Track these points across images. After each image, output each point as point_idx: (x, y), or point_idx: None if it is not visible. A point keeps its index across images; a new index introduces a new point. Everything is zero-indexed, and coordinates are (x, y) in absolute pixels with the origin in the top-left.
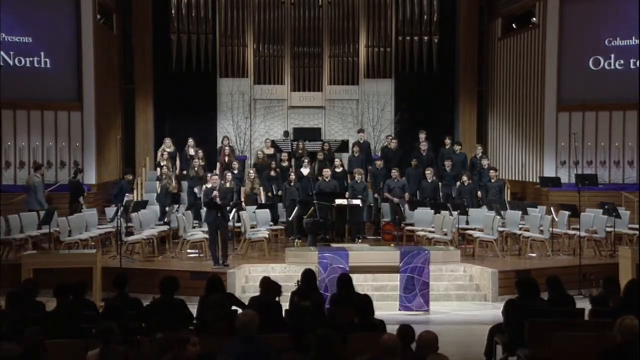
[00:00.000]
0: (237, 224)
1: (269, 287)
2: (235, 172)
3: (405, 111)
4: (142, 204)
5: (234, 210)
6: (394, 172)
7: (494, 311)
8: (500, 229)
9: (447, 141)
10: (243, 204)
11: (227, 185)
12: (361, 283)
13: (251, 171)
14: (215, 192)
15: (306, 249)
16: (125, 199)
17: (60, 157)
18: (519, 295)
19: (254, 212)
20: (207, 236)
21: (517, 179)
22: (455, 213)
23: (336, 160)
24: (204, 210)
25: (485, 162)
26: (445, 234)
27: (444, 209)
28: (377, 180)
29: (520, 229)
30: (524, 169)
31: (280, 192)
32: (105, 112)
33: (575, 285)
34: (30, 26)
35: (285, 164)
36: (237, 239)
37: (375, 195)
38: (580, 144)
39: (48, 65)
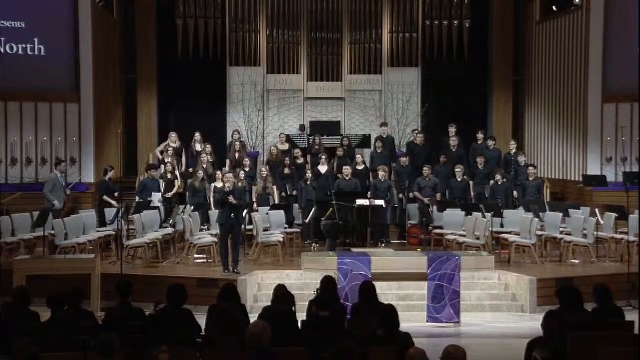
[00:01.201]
0: (248, 227)
1: (284, 295)
2: (247, 169)
3: (433, 103)
4: (144, 205)
5: (245, 211)
6: (426, 170)
7: (532, 324)
8: (539, 232)
9: (480, 136)
10: (255, 204)
11: (239, 184)
12: (385, 292)
13: (264, 169)
14: (229, 187)
15: (324, 255)
16: (155, 199)
17: (56, 153)
18: (560, 306)
19: (267, 214)
20: (216, 240)
21: (557, 177)
22: (488, 215)
23: (357, 156)
24: (212, 212)
25: (521, 159)
26: (478, 238)
27: (476, 211)
28: (402, 178)
29: (561, 232)
30: (565, 167)
31: (295, 192)
32: (105, 104)
33: (623, 296)
34: (23, 10)
35: (301, 161)
36: (248, 243)
37: (400, 195)
38: (629, 138)
39: (42, 53)
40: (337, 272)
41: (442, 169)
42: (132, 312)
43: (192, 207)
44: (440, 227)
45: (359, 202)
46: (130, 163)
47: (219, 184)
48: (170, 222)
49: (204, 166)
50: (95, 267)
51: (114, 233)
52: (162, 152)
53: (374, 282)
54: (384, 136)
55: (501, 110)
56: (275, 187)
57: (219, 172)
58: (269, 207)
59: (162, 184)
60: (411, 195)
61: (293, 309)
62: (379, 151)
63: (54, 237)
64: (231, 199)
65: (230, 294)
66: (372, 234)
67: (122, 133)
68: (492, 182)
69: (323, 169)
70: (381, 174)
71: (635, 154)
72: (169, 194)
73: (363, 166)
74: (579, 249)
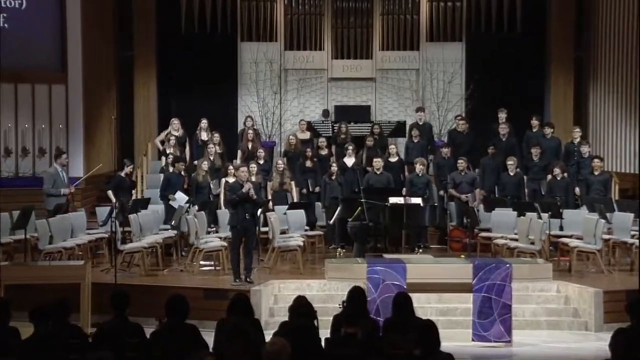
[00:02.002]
0: (263, 229)
1: (305, 309)
2: (261, 162)
3: (479, 84)
4: (142, 203)
5: (259, 211)
6: (461, 163)
7: (598, 343)
8: (605, 236)
9: (535, 122)
10: (271, 203)
11: (253, 179)
12: (423, 305)
13: (281, 161)
14: (249, 185)
15: (352, 261)
16: (180, 200)
17: (39, 143)
18: (631, 322)
19: (285, 214)
20: (225, 244)
21: (627, 171)
22: (545, 215)
23: (390, 147)
24: (221, 211)
25: (585, 150)
26: (532, 243)
27: (531, 210)
28: (442, 173)
29: (633, 236)
30: (638, 159)
31: (318, 188)
32: (96, 85)
33: None
34: None
35: (324, 152)
36: (263, 247)
37: (441, 192)
38: None
39: (24, 26)
40: (367, 282)
41: (490, 162)
42: (128, 328)
43: (197, 206)
44: (488, 230)
45: (392, 200)
46: (125, 154)
47: (231, 179)
48: (173, 223)
49: (211, 158)
50: (85, 276)
51: (106, 236)
52: (162, 142)
53: (410, 294)
54: (421, 123)
55: (560, 93)
56: (294, 183)
57: (230, 166)
58: (286, 206)
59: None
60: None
61: (315, 324)
62: (415, 140)
63: (37, 240)
64: (251, 192)
65: (242, 306)
66: (407, 238)
67: (116, 119)
68: (549, 176)
69: (350, 161)
70: (418, 167)
71: None
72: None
73: (397, 158)
74: None
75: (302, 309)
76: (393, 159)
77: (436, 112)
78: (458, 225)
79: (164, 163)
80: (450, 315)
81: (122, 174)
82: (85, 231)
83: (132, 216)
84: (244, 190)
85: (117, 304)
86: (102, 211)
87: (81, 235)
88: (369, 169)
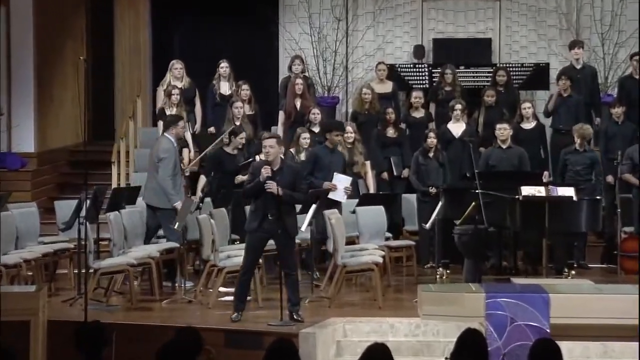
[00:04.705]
0: (319, 237)
1: None
2: (317, 129)
3: None
4: (127, 195)
5: (312, 209)
6: None
7: None
8: None
9: None
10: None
11: (302, 157)
12: (576, 358)
13: (349, 128)
14: (267, 170)
15: (461, 289)
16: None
17: None
18: None
19: (354, 212)
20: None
21: None
22: None
23: (523, 105)
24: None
25: None
26: None
27: None
28: (611, 146)
29: None
30: None
31: (406, 172)
32: (57, 9)
33: None
34: None
35: (417, 114)
36: (318, 266)
37: (609, 177)
38: None
39: None
40: (486, 322)
41: None
42: None
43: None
44: None
45: (526, 190)
46: (102, 119)
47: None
48: (176, 225)
49: (237, 123)
50: (37, 309)
51: (71, 246)
52: (163, 98)
53: (557, 342)
54: (577, 67)
55: None
56: (368, 163)
57: (265, 135)
58: (356, 200)
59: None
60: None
61: None
62: (565, 94)
63: None
64: (270, 187)
65: (285, 357)
66: (551, 251)
67: (86, 62)
68: None
69: (458, 128)
70: (579, 140)
71: None
72: None
73: (534, 123)
74: None
75: None
76: (528, 125)
77: (600, 48)
78: (637, 233)
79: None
80: None
81: (230, 149)
82: (38, 239)
83: (110, 215)
84: (260, 176)
85: (86, 345)
86: (65, 207)
87: (31, 244)
88: (494, 144)
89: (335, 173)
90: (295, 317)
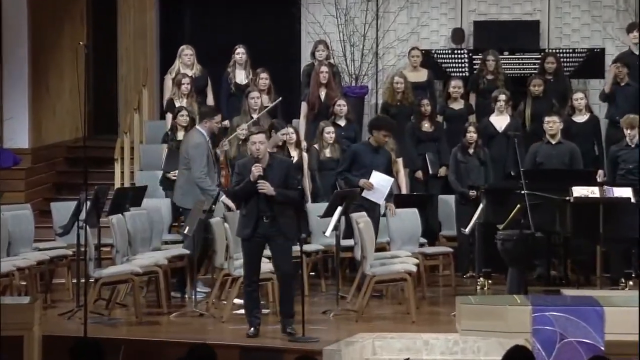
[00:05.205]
0: (344, 243)
1: None
2: (343, 123)
3: None
4: (132, 196)
5: (337, 212)
6: None
7: None
8: None
9: None
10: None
11: (327, 153)
12: None
13: None
14: (259, 169)
15: (504, 301)
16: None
17: None
18: None
19: (384, 215)
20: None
21: None
22: None
23: (575, 96)
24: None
25: None
26: None
27: None
28: None
29: None
30: None
31: (444, 170)
32: None
33: None
34: None
35: (456, 105)
36: (345, 275)
37: None
38: None
39: None
40: (532, 339)
41: None
42: None
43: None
44: None
45: (578, 191)
46: (103, 111)
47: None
48: (186, 230)
49: (254, 116)
50: (32, 323)
51: (69, 253)
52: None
53: None
54: (636, 52)
55: None
56: (400, 160)
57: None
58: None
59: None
60: None
61: None
62: (622, 83)
63: None
64: (263, 187)
65: None
66: (606, 259)
67: (87, 48)
68: None
69: (501, 121)
70: (629, 132)
71: None
72: (175, 173)
73: (587, 115)
74: None
75: None
76: (581, 118)
77: None
78: None
79: (169, 125)
80: None
81: (270, 147)
82: (33, 245)
83: (113, 219)
84: (251, 176)
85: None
86: (62, 209)
87: (25, 251)
88: (542, 139)
89: (374, 171)
90: (288, 331)
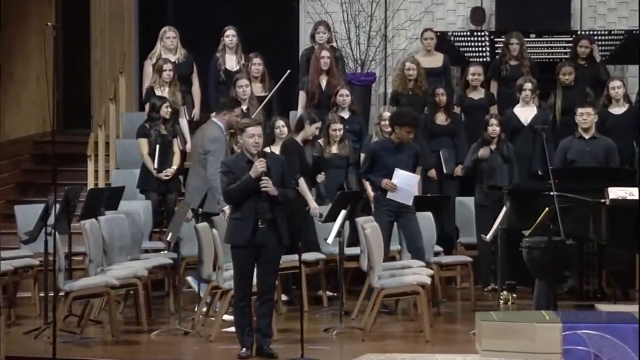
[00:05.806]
0: (349, 251)
1: None
2: (346, 114)
3: None
4: (108, 197)
5: (341, 216)
6: None
7: None
8: None
9: None
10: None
11: (334, 150)
12: None
13: (386, 114)
14: (262, 164)
15: (531, 317)
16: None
17: None
18: None
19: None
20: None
21: None
22: None
23: (612, 84)
24: None
25: None
26: None
27: None
28: None
29: None
30: None
31: (460, 168)
32: None
33: None
34: None
35: (475, 94)
36: (349, 288)
37: None
38: None
39: None
40: (562, 359)
41: None
42: None
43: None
44: None
45: (614, 192)
46: (75, 101)
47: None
48: (169, 237)
49: (243, 108)
50: None
51: (36, 263)
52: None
53: None
54: None
55: None
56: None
57: (278, 121)
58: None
59: (144, 147)
60: None
61: None
62: None
63: None
64: (267, 185)
65: None
66: None
67: (55, 29)
68: None
69: (527, 113)
70: None
71: None
72: (167, 172)
73: (626, 106)
74: None
75: None
76: (618, 109)
77: None
78: None
79: (149, 116)
80: None
81: (299, 138)
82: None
83: (86, 224)
84: (252, 172)
85: None
86: (28, 212)
87: None
88: (576, 134)
89: (396, 169)
90: (269, 351)
